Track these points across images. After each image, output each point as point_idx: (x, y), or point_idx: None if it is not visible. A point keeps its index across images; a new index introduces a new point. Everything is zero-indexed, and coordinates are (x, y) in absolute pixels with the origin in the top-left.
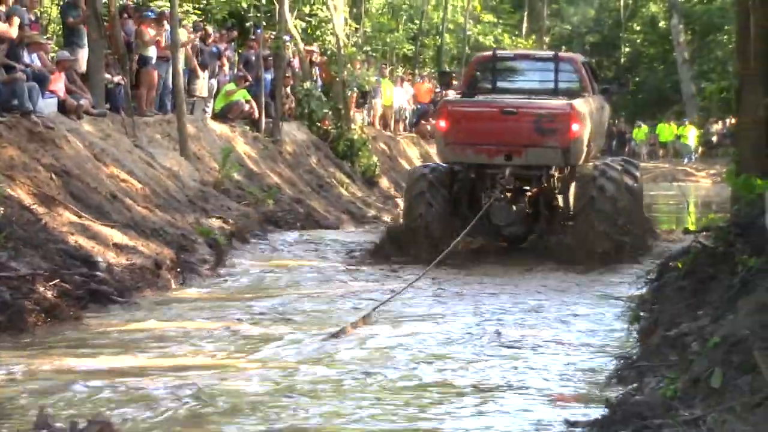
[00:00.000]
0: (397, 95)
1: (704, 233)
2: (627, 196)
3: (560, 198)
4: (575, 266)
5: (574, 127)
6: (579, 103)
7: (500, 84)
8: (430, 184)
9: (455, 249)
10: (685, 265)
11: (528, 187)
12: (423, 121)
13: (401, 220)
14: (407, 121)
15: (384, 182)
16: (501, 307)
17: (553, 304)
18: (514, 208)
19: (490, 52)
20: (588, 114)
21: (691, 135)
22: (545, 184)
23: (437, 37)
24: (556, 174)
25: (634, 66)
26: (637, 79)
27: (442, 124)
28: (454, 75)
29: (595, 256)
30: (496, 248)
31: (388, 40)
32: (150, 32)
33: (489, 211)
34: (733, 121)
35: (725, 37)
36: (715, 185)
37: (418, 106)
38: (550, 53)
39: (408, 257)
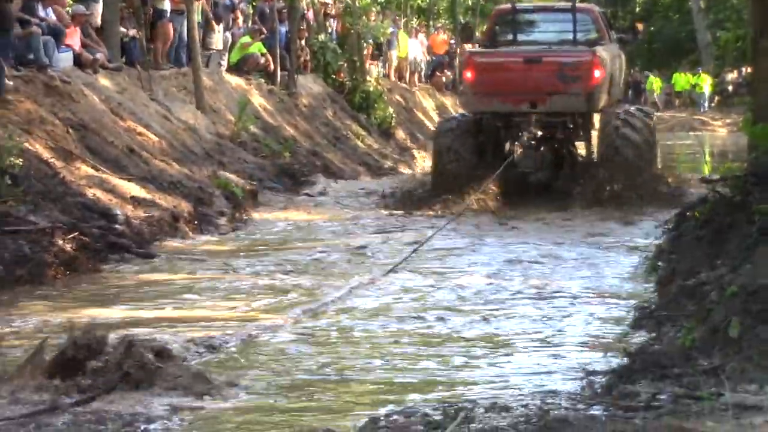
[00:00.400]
0: (412, 47)
1: (721, 182)
2: (647, 145)
3: (582, 145)
4: (596, 212)
5: (596, 73)
6: (600, 51)
7: (520, 36)
8: (456, 137)
9: (484, 194)
10: (703, 214)
11: (551, 135)
12: (438, 73)
13: (430, 173)
14: (422, 73)
15: (400, 134)
16: (520, 256)
17: (573, 252)
18: (540, 155)
19: (509, 5)
20: (608, 61)
21: (706, 84)
22: (569, 130)
23: None
24: (579, 121)
25: (649, 15)
26: (652, 28)
27: (469, 75)
28: (474, 28)
29: (616, 202)
30: (523, 193)
31: None
32: None
33: (515, 159)
34: (749, 70)
35: None
36: (732, 134)
37: (434, 58)
38: (568, 4)
39: (437, 206)
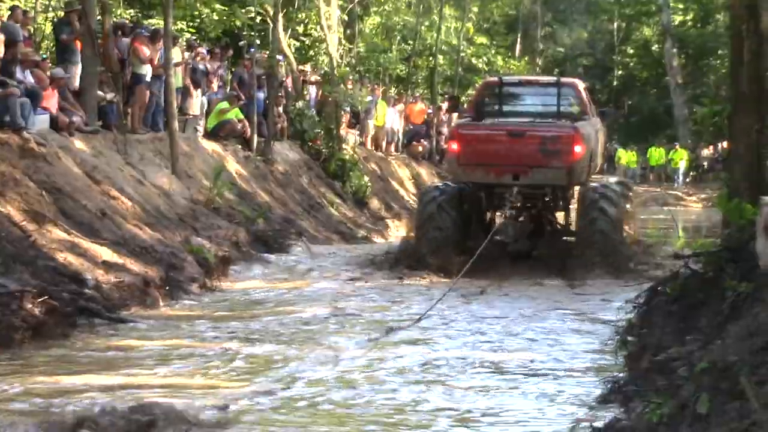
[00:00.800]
0: (390, 116)
1: (694, 258)
2: (623, 218)
3: (561, 216)
4: (571, 282)
5: (577, 148)
6: (582, 126)
7: (506, 108)
8: (439, 206)
9: (463, 263)
10: (674, 290)
11: (531, 206)
12: (415, 142)
13: (412, 239)
14: (399, 142)
15: (374, 202)
16: (491, 328)
17: (543, 324)
18: (520, 225)
19: (496, 78)
20: (589, 136)
21: (682, 160)
22: (549, 202)
23: (431, 58)
24: (559, 193)
25: (626, 89)
26: (629, 102)
27: (454, 146)
28: (461, 99)
29: (593, 272)
30: (501, 262)
31: (381, 60)
32: (146, 50)
33: (495, 228)
34: (725, 145)
35: (718, 61)
36: (706, 210)
37: (411, 127)
38: (553, 79)
39: (419, 273)
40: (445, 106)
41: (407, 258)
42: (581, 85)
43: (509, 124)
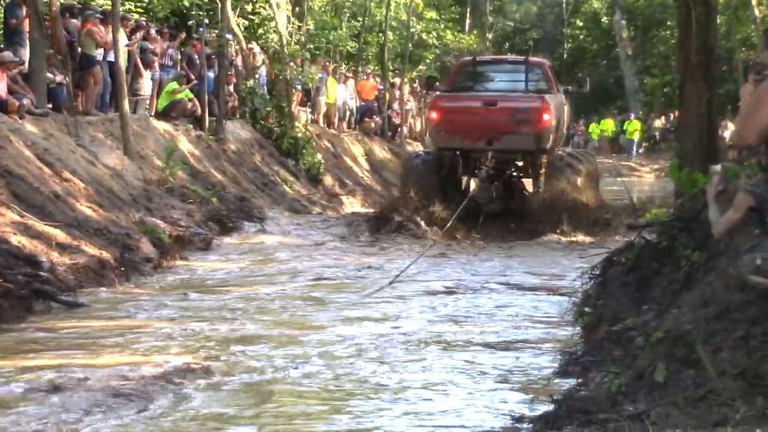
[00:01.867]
0: (341, 93)
1: (647, 228)
2: (588, 182)
3: (531, 182)
4: (538, 243)
5: (545, 117)
6: (548, 98)
7: (478, 85)
8: (421, 171)
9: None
10: (629, 260)
11: (504, 170)
12: (367, 119)
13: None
14: (351, 119)
15: (328, 179)
16: (450, 304)
17: (504, 297)
18: (493, 188)
19: (470, 58)
20: (555, 107)
21: (637, 131)
22: (520, 168)
23: (380, 35)
24: (528, 159)
25: (577, 62)
26: (580, 75)
27: (434, 115)
28: (437, 79)
29: (558, 230)
30: (476, 221)
31: (331, 37)
32: (100, 31)
33: (471, 191)
34: (676, 115)
35: (667, 32)
36: (659, 180)
37: (363, 104)
38: (521, 58)
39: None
40: (406, 86)
41: (391, 217)
42: (547, 63)
43: (483, 96)
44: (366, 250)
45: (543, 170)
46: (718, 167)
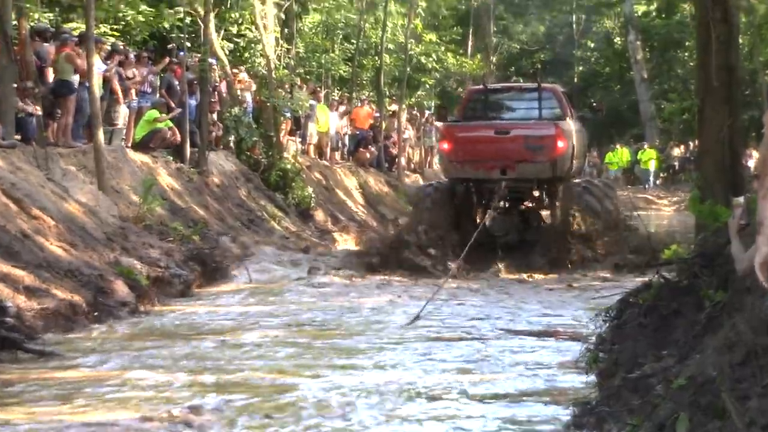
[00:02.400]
0: (333, 121)
1: (666, 266)
2: (606, 214)
3: (547, 213)
4: (554, 279)
5: (560, 143)
6: (563, 124)
7: (491, 113)
8: (433, 202)
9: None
10: (647, 300)
11: (519, 200)
12: (361, 149)
13: (406, 234)
14: (345, 149)
15: (319, 215)
16: (455, 350)
17: (514, 342)
18: (509, 220)
19: (481, 86)
20: (570, 134)
21: (652, 160)
22: (536, 197)
23: (376, 58)
24: (544, 189)
25: (589, 86)
26: (593, 102)
27: (446, 146)
28: (447, 109)
29: (575, 264)
30: (491, 254)
31: (322, 61)
32: (79, 55)
33: (486, 223)
34: (696, 143)
35: (686, 54)
36: (678, 213)
37: (357, 132)
38: (534, 85)
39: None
40: (418, 115)
41: (398, 253)
42: (560, 89)
43: (496, 124)
44: (367, 290)
45: (559, 201)
46: (741, 199)
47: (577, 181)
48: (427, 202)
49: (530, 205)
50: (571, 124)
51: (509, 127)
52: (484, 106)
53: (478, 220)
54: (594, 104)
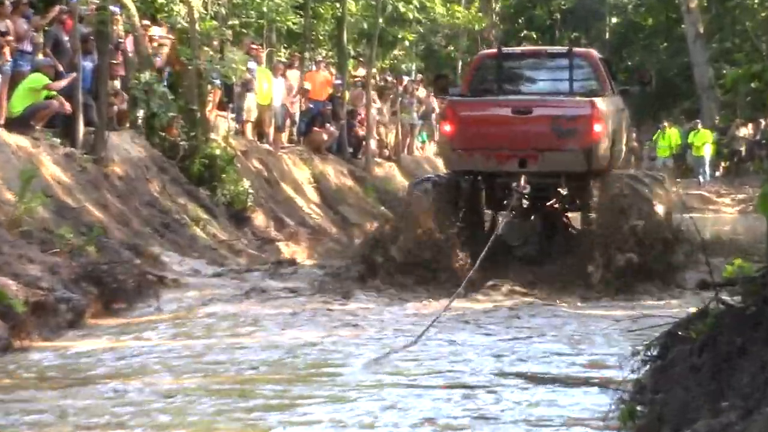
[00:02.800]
0: (278, 90)
1: (728, 287)
2: (657, 218)
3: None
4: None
5: (597, 127)
6: (600, 101)
7: (507, 86)
8: (432, 203)
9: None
10: (701, 334)
11: (542, 200)
12: (316, 128)
13: (397, 243)
14: (295, 128)
15: (259, 218)
16: (454, 399)
17: (524, 389)
18: (529, 226)
19: (494, 50)
20: (610, 114)
21: (707, 145)
22: (565, 196)
23: (337, 4)
24: (575, 185)
25: (625, 44)
26: (630, 63)
27: (448, 128)
28: (450, 78)
29: (613, 285)
30: (506, 269)
31: (264, 8)
32: None
33: (500, 230)
34: None
35: (756, 0)
36: (744, 216)
37: (311, 106)
38: (564, 49)
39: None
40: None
41: (386, 269)
42: (598, 55)
43: (513, 101)
44: (335, 316)
45: (596, 200)
46: None
47: (618, 173)
48: (421, 202)
49: (557, 205)
50: (611, 101)
51: (531, 104)
52: (499, 77)
53: (488, 226)
54: (640, 74)
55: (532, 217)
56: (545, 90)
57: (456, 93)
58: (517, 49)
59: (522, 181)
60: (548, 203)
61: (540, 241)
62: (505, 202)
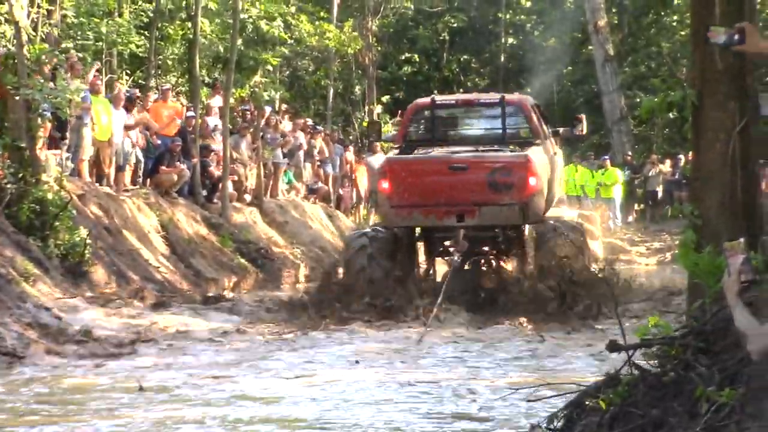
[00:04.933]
0: (119, 123)
1: (643, 348)
2: (583, 257)
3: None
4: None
5: (532, 180)
6: (535, 153)
7: (441, 137)
8: (370, 257)
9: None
10: (613, 403)
11: (480, 252)
12: (165, 167)
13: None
14: (139, 167)
15: (99, 273)
16: None
17: None
18: (467, 275)
19: (427, 99)
20: (544, 164)
21: (617, 185)
22: (502, 246)
23: (188, 25)
24: (512, 234)
25: (523, 68)
26: (529, 90)
27: (385, 185)
28: (382, 123)
29: (549, 315)
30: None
31: (103, 29)
32: None
33: (444, 284)
34: (689, 158)
35: (674, 17)
36: (662, 267)
37: (158, 142)
38: (496, 97)
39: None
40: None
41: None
42: (530, 102)
43: (449, 155)
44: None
45: (530, 246)
46: (740, 242)
47: (551, 223)
48: (360, 256)
49: (492, 254)
50: (544, 149)
51: (466, 161)
52: (432, 126)
53: (427, 274)
54: (575, 118)
55: (471, 268)
56: (480, 141)
57: (389, 139)
58: (451, 98)
59: (460, 236)
60: (486, 254)
61: (479, 290)
62: (442, 249)
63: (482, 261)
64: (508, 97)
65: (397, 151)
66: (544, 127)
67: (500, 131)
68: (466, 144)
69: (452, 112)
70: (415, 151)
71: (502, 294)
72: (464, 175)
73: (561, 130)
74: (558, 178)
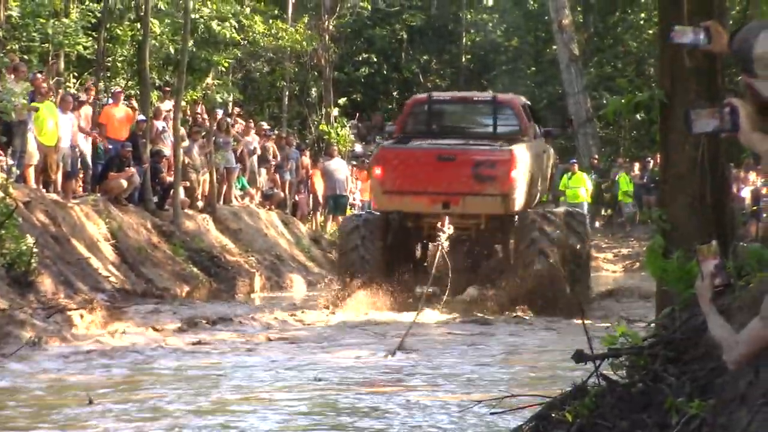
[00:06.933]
0: (66, 128)
1: (611, 358)
2: (569, 248)
3: (500, 248)
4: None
5: (514, 173)
6: (519, 149)
7: (435, 131)
8: (363, 238)
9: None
10: (580, 415)
11: (466, 241)
12: (114, 173)
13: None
14: (88, 174)
15: (45, 282)
16: None
17: None
18: (452, 260)
19: (425, 95)
20: (528, 160)
21: (583, 188)
22: (485, 233)
23: (137, 26)
24: (496, 223)
25: (486, 69)
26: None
27: (378, 171)
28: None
29: (533, 302)
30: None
31: (49, 30)
32: None
33: (428, 263)
34: (657, 161)
35: (641, 16)
36: (629, 274)
37: (109, 147)
38: (489, 96)
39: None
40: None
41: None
42: (520, 102)
43: (439, 147)
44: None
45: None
46: (713, 245)
47: (533, 215)
48: (354, 237)
49: (477, 241)
50: (531, 146)
51: (454, 152)
52: (427, 121)
53: (418, 257)
54: (564, 120)
55: (456, 252)
56: (470, 136)
57: (390, 131)
58: (446, 95)
59: (446, 221)
60: (470, 240)
61: (465, 272)
62: (430, 239)
63: (467, 246)
64: (500, 96)
65: (392, 141)
66: (534, 126)
67: (491, 128)
68: (459, 138)
69: (447, 108)
70: (410, 143)
71: (484, 279)
72: (451, 165)
73: (551, 130)
74: (546, 174)
